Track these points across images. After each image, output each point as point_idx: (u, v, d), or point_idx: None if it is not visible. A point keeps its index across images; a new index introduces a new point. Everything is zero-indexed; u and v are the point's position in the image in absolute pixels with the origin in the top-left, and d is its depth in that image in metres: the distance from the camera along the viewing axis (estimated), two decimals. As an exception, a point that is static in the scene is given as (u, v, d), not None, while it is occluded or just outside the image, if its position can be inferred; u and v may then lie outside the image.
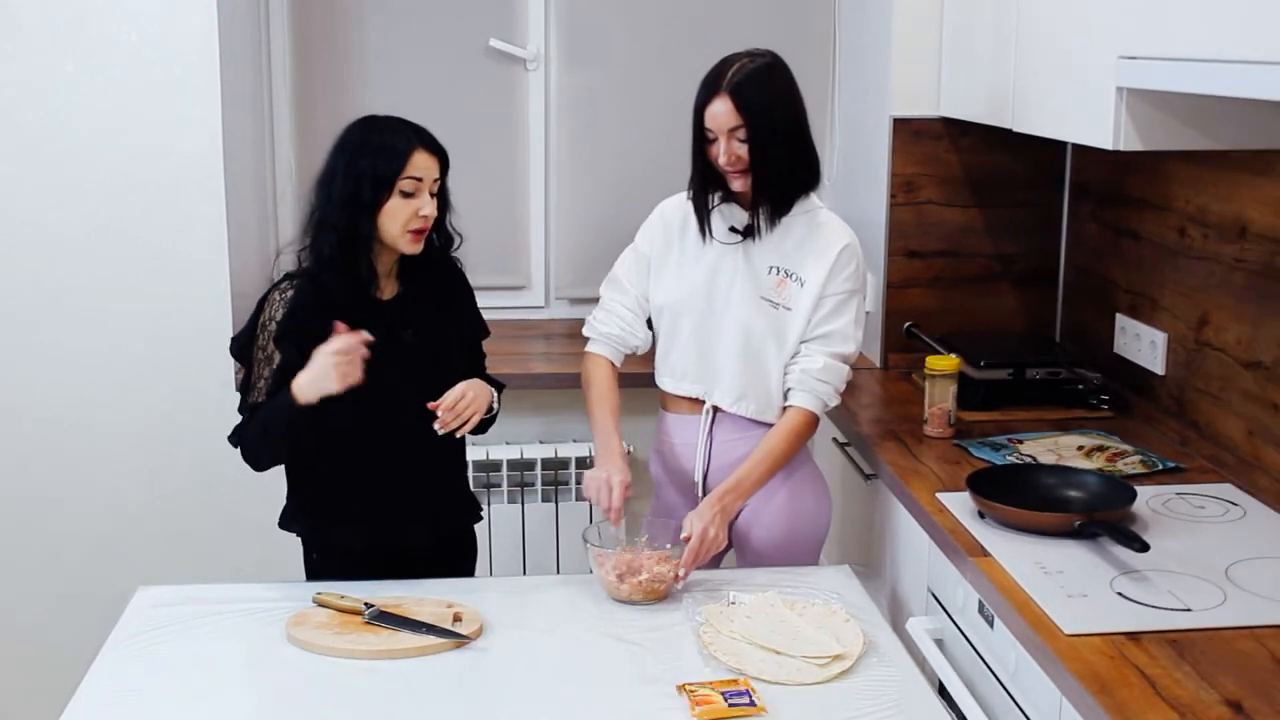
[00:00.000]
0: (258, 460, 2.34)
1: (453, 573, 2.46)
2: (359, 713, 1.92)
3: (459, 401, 2.30)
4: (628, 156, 3.69)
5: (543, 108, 3.70)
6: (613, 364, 2.61)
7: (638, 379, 2.77)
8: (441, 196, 2.35)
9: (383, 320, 2.32)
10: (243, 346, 2.36)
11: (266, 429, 2.28)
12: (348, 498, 2.38)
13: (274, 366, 2.30)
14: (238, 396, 2.40)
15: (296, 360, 2.26)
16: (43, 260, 3.23)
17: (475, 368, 2.50)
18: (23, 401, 3.28)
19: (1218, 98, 2.12)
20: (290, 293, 2.31)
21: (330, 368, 2.18)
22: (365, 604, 2.17)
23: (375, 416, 2.31)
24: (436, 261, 2.41)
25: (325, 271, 2.29)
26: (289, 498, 2.45)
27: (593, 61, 3.69)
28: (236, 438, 2.34)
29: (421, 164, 2.27)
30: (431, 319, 2.39)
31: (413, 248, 2.30)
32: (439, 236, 2.40)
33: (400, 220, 2.27)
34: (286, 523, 2.45)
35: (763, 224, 2.48)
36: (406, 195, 2.26)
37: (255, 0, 3.51)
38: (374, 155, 2.25)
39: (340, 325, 2.20)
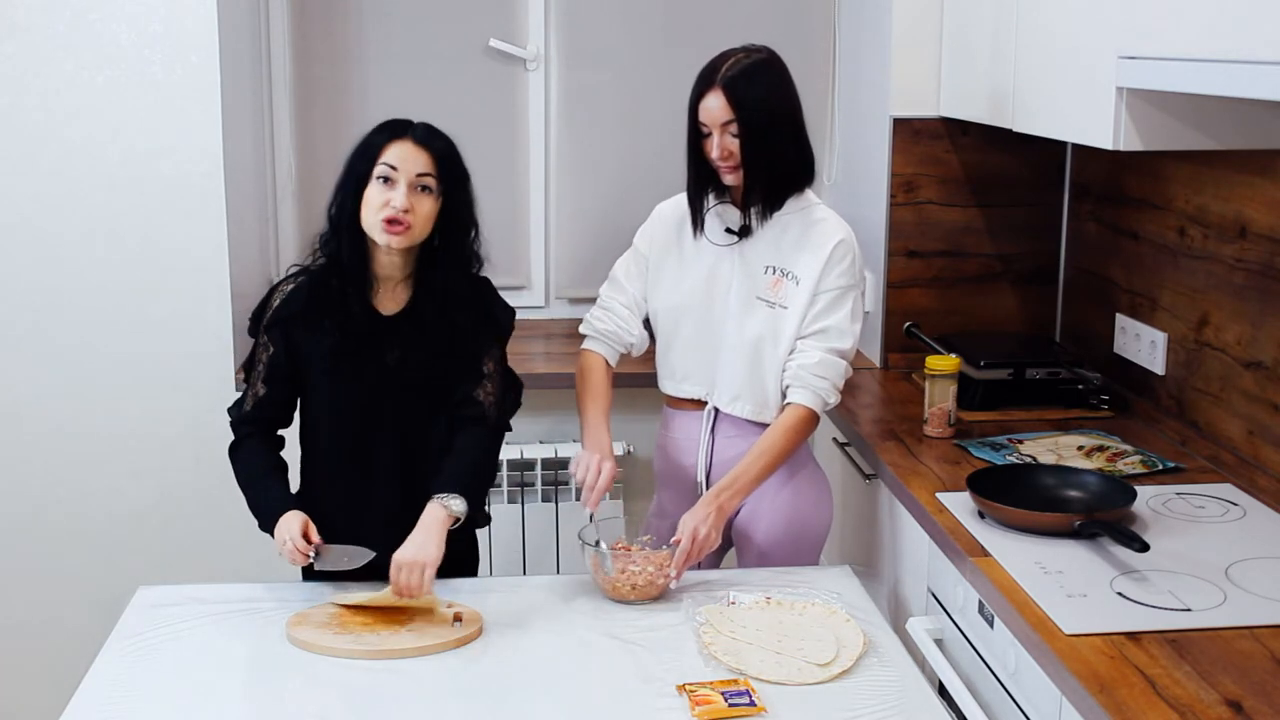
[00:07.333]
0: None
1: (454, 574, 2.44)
2: (359, 713, 1.92)
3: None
4: (628, 156, 3.69)
5: (543, 108, 3.70)
6: (607, 361, 2.60)
7: (639, 379, 2.76)
8: (455, 212, 2.29)
9: (372, 334, 2.30)
10: (251, 326, 2.40)
11: (242, 486, 2.39)
12: (337, 509, 2.34)
13: (270, 354, 2.34)
14: (236, 396, 2.42)
15: (281, 351, 2.32)
16: (42, 260, 3.23)
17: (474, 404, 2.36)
18: (22, 402, 3.28)
19: (1218, 98, 2.13)
20: (290, 287, 2.35)
21: (282, 549, 2.25)
22: (315, 550, 2.23)
23: (351, 431, 2.34)
24: (457, 284, 2.32)
25: (325, 267, 2.32)
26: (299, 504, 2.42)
27: (593, 61, 3.69)
28: (233, 451, 2.42)
29: (399, 153, 2.23)
30: (429, 343, 2.31)
31: (384, 239, 2.23)
32: (449, 255, 2.30)
33: (373, 207, 2.23)
34: None
35: (755, 221, 2.48)
36: (384, 183, 2.23)
37: (255, 1, 3.51)
38: (363, 146, 2.28)
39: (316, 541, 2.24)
